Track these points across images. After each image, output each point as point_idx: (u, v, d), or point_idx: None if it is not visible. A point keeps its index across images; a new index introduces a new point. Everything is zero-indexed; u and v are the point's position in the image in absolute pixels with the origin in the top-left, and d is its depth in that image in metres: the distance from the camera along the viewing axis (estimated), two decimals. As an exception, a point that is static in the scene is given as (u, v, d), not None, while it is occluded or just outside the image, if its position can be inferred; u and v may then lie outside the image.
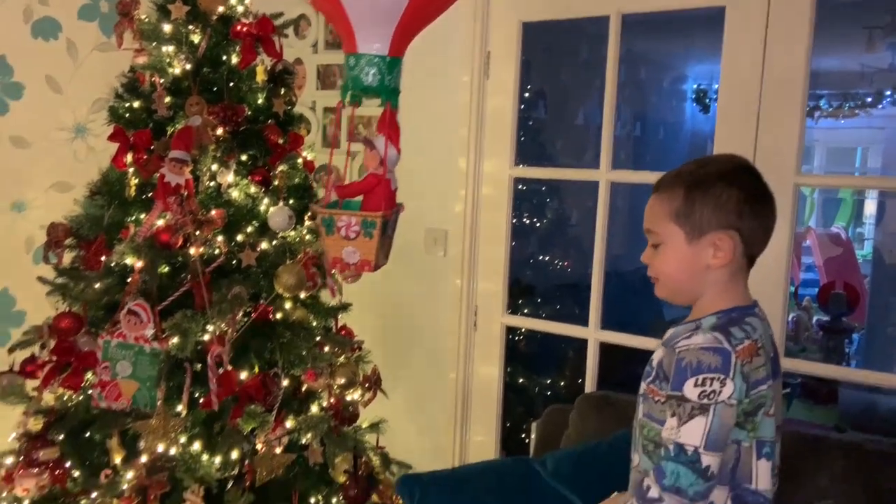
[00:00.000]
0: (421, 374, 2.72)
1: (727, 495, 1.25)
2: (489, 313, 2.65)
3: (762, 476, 1.26)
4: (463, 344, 2.67)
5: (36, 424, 1.97)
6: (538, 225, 3.42)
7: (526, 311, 3.06)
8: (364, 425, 2.27)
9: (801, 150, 2.09)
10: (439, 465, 2.63)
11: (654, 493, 1.20)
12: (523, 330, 3.18)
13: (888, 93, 6.30)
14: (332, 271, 2.02)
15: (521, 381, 3.16)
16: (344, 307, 2.28)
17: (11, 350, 2.02)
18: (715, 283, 1.31)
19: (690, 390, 1.19)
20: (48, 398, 2.03)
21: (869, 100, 6.47)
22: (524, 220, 3.37)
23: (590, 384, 2.45)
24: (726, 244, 1.28)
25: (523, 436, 2.98)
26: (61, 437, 1.94)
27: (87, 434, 1.96)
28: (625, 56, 2.39)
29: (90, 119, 2.71)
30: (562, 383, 3.29)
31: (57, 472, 1.88)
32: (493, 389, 2.66)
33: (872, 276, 5.77)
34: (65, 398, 1.96)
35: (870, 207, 8.03)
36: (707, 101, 6.94)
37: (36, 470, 1.85)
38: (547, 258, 3.50)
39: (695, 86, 6.99)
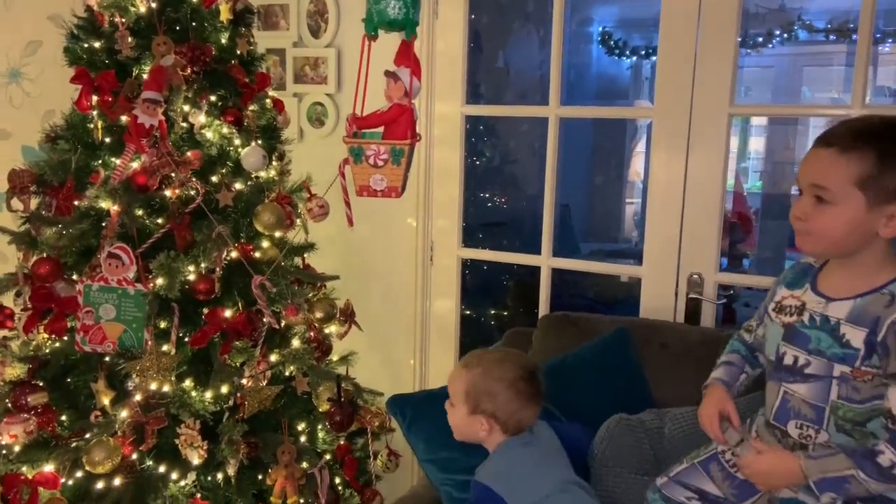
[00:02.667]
0: (380, 309, 2.81)
1: None
2: (445, 248, 2.76)
3: None
4: (420, 278, 2.79)
5: (13, 371, 1.95)
6: (477, 163, 3.54)
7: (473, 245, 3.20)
8: (335, 359, 2.36)
9: (735, 81, 2.29)
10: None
11: None
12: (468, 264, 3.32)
13: (777, 32, 6.71)
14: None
15: (469, 312, 3.32)
16: (310, 246, 2.33)
17: (-21, 301, 1.99)
18: (881, 249, 1.32)
19: None
20: (17, 346, 2.02)
21: (760, 39, 6.88)
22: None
23: (543, 308, 2.62)
24: None
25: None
26: (42, 383, 1.94)
27: (69, 378, 1.97)
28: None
29: (23, 63, 2.60)
30: (505, 313, 3.48)
31: (44, 417, 1.88)
32: (450, 320, 2.80)
33: (762, 206, 6.34)
34: (45, 344, 1.94)
35: (753, 144, 8.63)
36: (612, 43, 7.20)
37: (24, 416, 1.85)
38: (486, 195, 3.64)
39: (600, 28, 7.22)
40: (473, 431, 1.64)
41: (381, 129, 1.49)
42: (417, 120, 1.50)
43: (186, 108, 1.97)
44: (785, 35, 6.59)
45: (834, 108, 2.93)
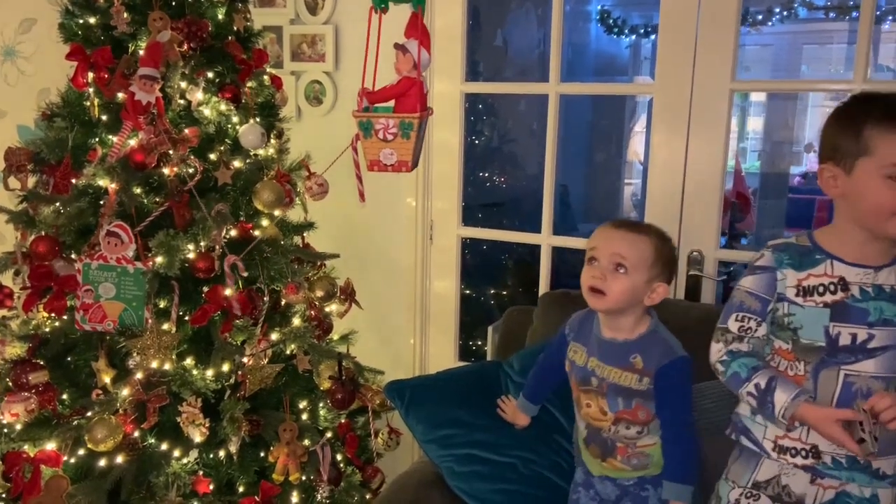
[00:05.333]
0: (380, 289, 2.80)
1: None
2: (444, 227, 2.75)
3: None
4: (420, 258, 2.78)
5: (14, 350, 1.95)
6: (476, 143, 3.52)
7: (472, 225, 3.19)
8: (335, 338, 2.36)
9: (736, 56, 2.27)
10: (401, 372, 2.76)
11: None
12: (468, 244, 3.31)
13: (777, 9, 6.66)
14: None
15: (468, 292, 3.32)
16: (310, 225, 2.32)
17: (-23, 280, 1.98)
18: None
19: None
20: (17, 325, 2.01)
21: (759, 17, 6.83)
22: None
23: (544, 286, 2.61)
24: None
25: (479, 342, 3.16)
26: (42, 361, 1.93)
27: (70, 357, 1.97)
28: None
29: (18, 41, 2.57)
30: (504, 292, 3.47)
31: (45, 396, 1.88)
32: (450, 299, 2.80)
33: (759, 186, 6.34)
34: (45, 323, 1.94)
35: (751, 124, 8.59)
36: (610, 21, 7.15)
37: (25, 394, 1.84)
38: (484, 175, 3.62)
39: (599, 6, 7.16)
40: (637, 300, 1.57)
41: (392, 104, 1.47)
42: (428, 93, 1.49)
43: (183, 84, 1.95)
44: (785, 13, 6.54)
45: (836, 83, 2.90)
